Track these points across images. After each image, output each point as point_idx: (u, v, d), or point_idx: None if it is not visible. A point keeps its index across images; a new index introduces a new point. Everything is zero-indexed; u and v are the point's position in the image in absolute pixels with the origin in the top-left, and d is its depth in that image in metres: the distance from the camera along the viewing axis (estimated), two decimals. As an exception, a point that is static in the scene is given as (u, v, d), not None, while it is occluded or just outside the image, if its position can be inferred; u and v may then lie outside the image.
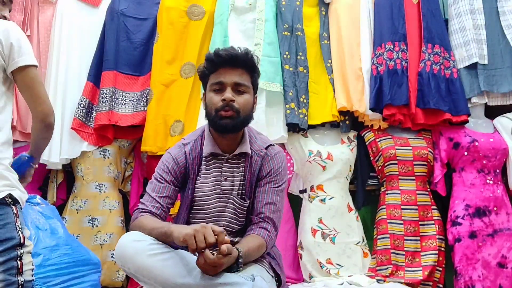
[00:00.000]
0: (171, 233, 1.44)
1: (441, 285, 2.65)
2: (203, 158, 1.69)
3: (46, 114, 1.65)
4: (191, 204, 1.69)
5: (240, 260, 1.45)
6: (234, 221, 1.69)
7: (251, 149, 1.70)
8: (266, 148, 1.73)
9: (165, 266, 1.44)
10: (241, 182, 1.69)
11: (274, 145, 1.77)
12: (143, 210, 1.63)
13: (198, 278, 1.42)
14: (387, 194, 2.77)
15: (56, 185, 2.89)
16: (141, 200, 1.69)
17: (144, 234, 1.53)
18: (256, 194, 1.69)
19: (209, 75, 1.67)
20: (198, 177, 1.69)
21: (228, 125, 1.61)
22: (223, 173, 1.69)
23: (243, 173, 1.69)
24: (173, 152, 1.72)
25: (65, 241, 2.11)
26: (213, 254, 1.37)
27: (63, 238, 2.10)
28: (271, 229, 1.66)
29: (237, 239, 1.66)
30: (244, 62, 1.64)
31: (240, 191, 1.69)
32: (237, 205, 1.68)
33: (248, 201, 1.69)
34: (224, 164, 1.70)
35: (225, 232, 1.41)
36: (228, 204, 1.68)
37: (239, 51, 1.63)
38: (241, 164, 1.70)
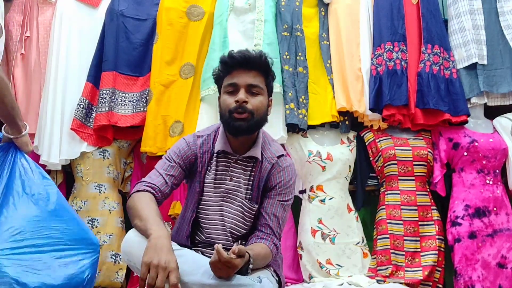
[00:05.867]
0: (147, 236, 1.41)
1: (440, 285, 2.65)
2: (215, 155, 1.70)
3: None
4: (199, 198, 1.70)
5: (250, 266, 1.46)
6: (241, 224, 1.68)
7: (262, 154, 1.70)
8: (278, 157, 1.72)
9: None
10: (248, 186, 1.69)
11: (286, 156, 1.76)
12: (147, 184, 1.61)
13: (204, 277, 1.41)
14: (387, 194, 2.76)
15: (56, 185, 2.89)
16: (149, 174, 1.67)
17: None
18: (265, 205, 1.69)
19: (224, 77, 1.67)
20: (207, 172, 1.70)
21: (242, 126, 1.60)
22: (229, 172, 1.69)
23: (250, 177, 1.69)
24: (188, 139, 1.74)
25: (55, 212, 1.69)
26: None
27: (53, 209, 1.70)
28: (279, 246, 1.68)
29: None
30: (258, 64, 1.64)
31: (248, 195, 1.69)
32: (245, 208, 1.68)
33: (257, 206, 1.69)
34: (232, 164, 1.70)
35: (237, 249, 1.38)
36: (234, 206, 1.68)
37: (253, 53, 1.63)
38: (250, 167, 1.70)
